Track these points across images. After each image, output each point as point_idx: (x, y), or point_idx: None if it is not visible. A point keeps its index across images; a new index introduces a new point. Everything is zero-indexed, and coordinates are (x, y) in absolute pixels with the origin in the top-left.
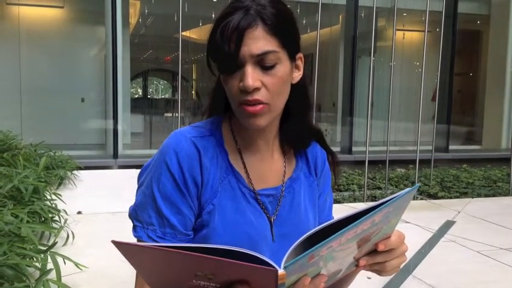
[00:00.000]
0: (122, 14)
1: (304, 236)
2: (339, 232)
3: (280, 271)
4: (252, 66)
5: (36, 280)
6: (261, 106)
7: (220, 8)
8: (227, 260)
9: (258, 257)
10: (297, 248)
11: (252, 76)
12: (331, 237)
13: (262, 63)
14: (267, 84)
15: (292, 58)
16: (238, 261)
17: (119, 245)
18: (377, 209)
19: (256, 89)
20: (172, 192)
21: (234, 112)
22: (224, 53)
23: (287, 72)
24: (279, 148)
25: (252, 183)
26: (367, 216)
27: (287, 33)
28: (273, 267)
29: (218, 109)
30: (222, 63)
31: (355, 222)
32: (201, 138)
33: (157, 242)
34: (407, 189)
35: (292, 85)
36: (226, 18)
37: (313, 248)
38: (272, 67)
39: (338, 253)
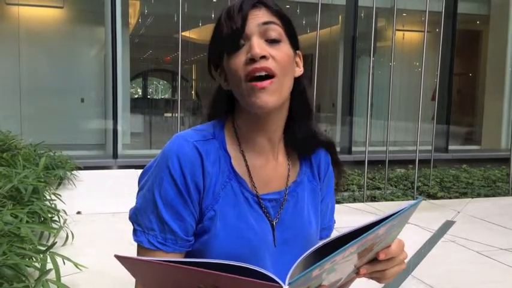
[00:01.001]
0: (121, 14)
1: (310, 250)
2: (344, 247)
3: (285, 287)
4: (258, 38)
5: (36, 280)
6: (269, 81)
7: (219, 8)
8: (230, 275)
9: (263, 272)
10: (302, 260)
11: (258, 44)
12: (336, 252)
13: (268, 36)
14: (274, 56)
15: (293, 50)
16: (242, 277)
17: (121, 259)
18: (382, 223)
19: (264, 58)
20: (174, 198)
21: (240, 98)
22: (230, 30)
23: (291, 55)
24: (283, 150)
25: (255, 187)
26: (372, 230)
27: (288, 22)
28: (277, 282)
29: (219, 113)
30: (228, 41)
31: (360, 237)
32: (203, 142)
33: (158, 247)
34: (411, 203)
35: (293, 85)
36: (229, 6)
37: (318, 263)
38: (277, 42)
39: (340, 264)
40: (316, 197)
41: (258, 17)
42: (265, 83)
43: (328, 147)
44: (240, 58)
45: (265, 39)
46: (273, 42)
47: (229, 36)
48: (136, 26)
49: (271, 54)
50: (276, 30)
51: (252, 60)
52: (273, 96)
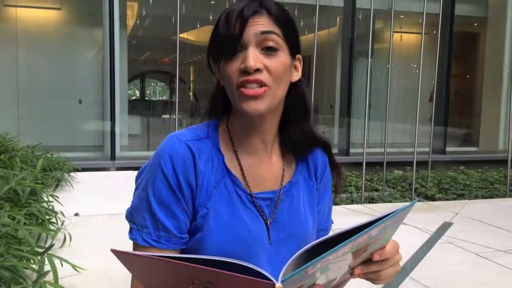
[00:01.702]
0: (119, 15)
1: (303, 249)
2: (336, 247)
3: (278, 285)
4: (254, 48)
5: (34, 282)
6: (261, 89)
7: (217, 10)
8: (224, 272)
9: (256, 270)
10: (295, 258)
11: (253, 56)
12: (329, 251)
13: (265, 44)
14: (269, 67)
15: (292, 55)
16: (235, 274)
17: (117, 253)
18: (375, 224)
19: (258, 71)
20: (167, 196)
21: (233, 101)
22: (228, 35)
23: (288, 63)
24: (278, 150)
25: (248, 186)
26: (365, 230)
27: (289, 27)
28: (270, 279)
29: (217, 111)
30: (225, 46)
31: (353, 237)
32: (196, 141)
33: (152, 244)
34: (405, 205)
35: (290, 88)
36: (231, 8)
37: (310, 262)
38: (274, 51)
39: (334, 264)
40: (312, 197)
41: (258, 24)
42: (258, 91)
43: (324, 149)
44: (235, 64)
45: (261, 48)
46: (269, 50)
47: (226, 42)
48: (134, 27)
49: (266, 65)
50: (274, 40)
51: (245, 71)
52: (264, 103)
